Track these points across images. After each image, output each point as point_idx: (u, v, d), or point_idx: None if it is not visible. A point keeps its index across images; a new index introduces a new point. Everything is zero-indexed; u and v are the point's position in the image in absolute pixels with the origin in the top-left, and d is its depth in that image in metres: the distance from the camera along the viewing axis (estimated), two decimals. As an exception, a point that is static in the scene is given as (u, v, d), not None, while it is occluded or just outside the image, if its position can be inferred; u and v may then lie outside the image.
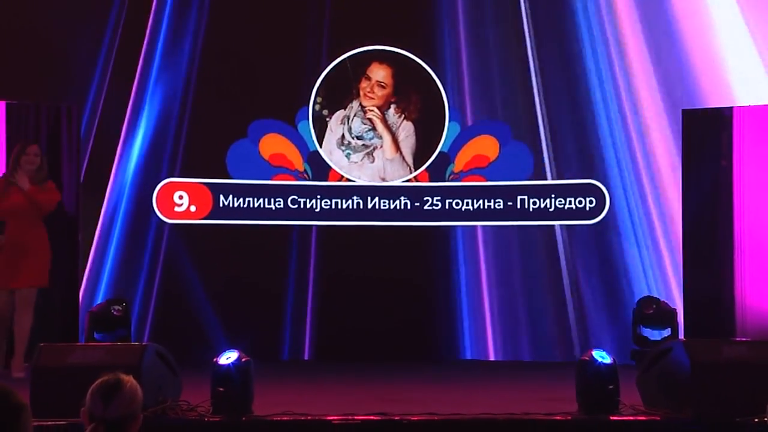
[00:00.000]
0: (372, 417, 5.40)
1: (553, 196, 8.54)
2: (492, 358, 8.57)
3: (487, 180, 8.60)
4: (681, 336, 7.68)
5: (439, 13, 8.71)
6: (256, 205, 8.51)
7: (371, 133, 8.56)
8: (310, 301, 8.63)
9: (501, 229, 8.74)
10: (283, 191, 8.55)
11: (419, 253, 8.73)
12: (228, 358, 5.52)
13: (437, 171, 8.62)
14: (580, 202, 8.51)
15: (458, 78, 8.72)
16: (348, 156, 8.56)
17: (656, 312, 7.90)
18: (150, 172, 8.45)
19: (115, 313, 7.50)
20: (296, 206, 8.52)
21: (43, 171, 7.26)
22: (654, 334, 7.58)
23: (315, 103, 8.59)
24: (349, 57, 8.58)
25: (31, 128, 8.01)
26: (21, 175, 7.17)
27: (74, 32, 8.21)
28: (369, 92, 8.57)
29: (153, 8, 8.55)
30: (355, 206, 8.56)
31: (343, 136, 8.56)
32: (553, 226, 8.57)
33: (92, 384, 3.07)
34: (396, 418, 5.38)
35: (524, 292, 8.68)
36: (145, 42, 8.51)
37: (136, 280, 8.35)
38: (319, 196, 8.54)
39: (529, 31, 8.68)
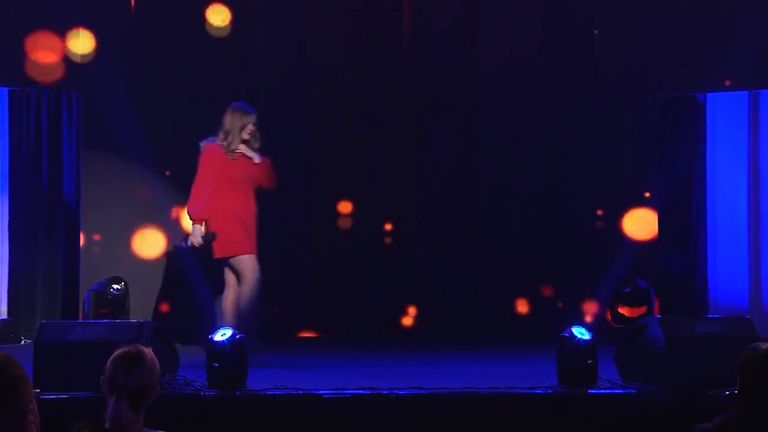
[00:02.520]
0: (361, 391, 5.53)
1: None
2: (474, 334, 8.75)
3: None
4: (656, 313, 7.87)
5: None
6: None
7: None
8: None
9: (485, 208, 8.93)
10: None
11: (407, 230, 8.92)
12: (223, 335, 5.65)
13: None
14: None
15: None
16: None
17: (633, 290, 8.11)
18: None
19: (114, 292, 7.61)
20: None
21: (257, 140, 7.04)
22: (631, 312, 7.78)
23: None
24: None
25: (32, 114, 8.10)
26: (243, 145, 6.95)
27: (76, 17, 8.26)
28: None
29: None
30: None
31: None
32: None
33: (102, 357, 3.20)
34: (384, 392, 5.51)
35: (508, 271, 8.87)
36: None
37: (133, 259, 8.47)
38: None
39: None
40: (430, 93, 8.99)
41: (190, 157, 8.61)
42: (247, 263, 6.88)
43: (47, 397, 5.15)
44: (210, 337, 5.70)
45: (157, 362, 3.19)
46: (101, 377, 3.12)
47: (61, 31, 8.20)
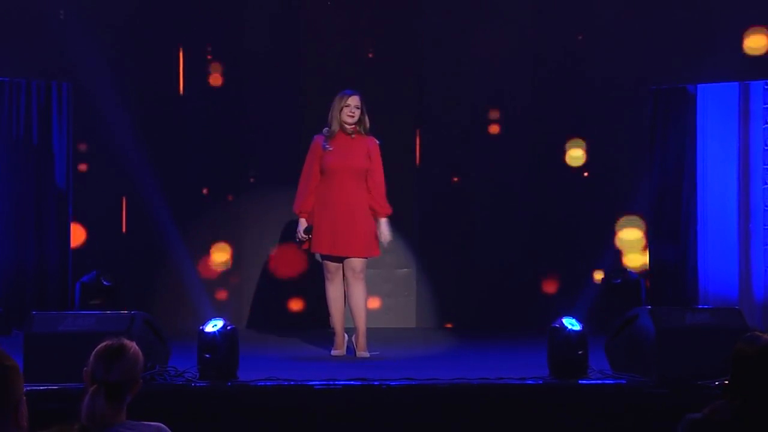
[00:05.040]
0: (352, 382, 5.55)
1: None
2: (467, 324, 8.78)
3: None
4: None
5: None
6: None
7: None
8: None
9: (475, 199, 8.96)
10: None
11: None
12: (214, 326, 5.66)
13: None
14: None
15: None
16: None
17: (623, 281, 8.16)
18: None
19: (105, 283, 7.62)
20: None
21: (364, 124, 6.79)
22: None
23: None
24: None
25: (22, 105, 8.08)
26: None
27: (65, 6, 8.23)
28: None
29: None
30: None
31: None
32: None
33: (93, 348, 3.17)
34: (375, 383, 5.52)
35: (499, 263, 8.89)
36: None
37: (124, 251, 8.47)
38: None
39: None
40: (426, 87, 8.99)
41: (181, 147, 8.70)
42: (350, 266, 6.76)
43: (38, 388, 5.14)
44: (201, 328, 5.70)
45: (140, 356, 3.16)
46: (84, 368, 3.11)
47: (49, 20, 8.15)
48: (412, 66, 8.95)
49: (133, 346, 3.16)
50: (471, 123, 9.02)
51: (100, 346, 3.14)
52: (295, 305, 8.82)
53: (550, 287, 8.76)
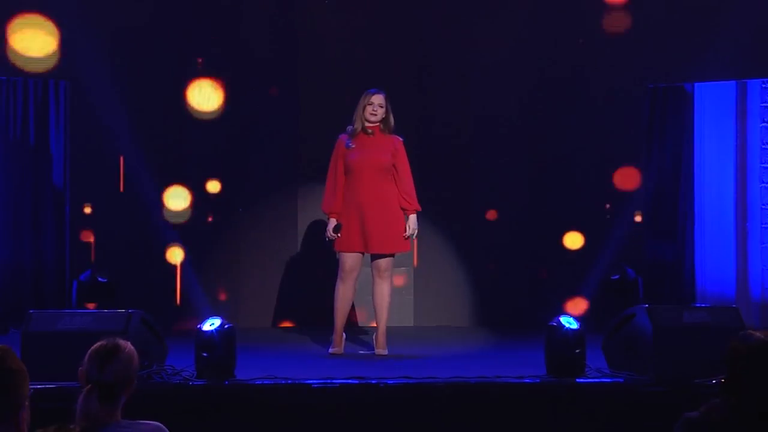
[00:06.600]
0: (350, 381, 5.56)
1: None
2: (465, 323, 8.79)
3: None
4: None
5: None
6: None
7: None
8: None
9: (472, 198, 8.96)
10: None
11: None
12: (211, 324, 5.67)
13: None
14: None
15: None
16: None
17: (622, 278, 8.18)
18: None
19: (101, 281, 7.62)
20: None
21: (389, 123, 6.86)
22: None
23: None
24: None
25: (19, 103, 8.08)
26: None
27: (63, 5, 8.23)
28: None
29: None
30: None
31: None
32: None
33: (90, 347, 3.15)
34: (373, 381, 5.54)
35: (496, 261, 8.89)
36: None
37: (122, 250, 8.46)
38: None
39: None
40: (424, 87, 8.99)
41: (179, 147, 8.70)
42: (377, 263, 6.78)
43: (35, 387, 5.11)
44: (199, 326, 5.71)
45: (135, 357, 3.16)
46: (80, 368, 3.12)
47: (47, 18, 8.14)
48: (410, 67, 8.94)
49: (128, 346, 3.15)
50: (469, 122, 9.01)
51: (95, 345, 3.14)
52: (293, 304, 8.81)
53: (548, 286, 8.75)
